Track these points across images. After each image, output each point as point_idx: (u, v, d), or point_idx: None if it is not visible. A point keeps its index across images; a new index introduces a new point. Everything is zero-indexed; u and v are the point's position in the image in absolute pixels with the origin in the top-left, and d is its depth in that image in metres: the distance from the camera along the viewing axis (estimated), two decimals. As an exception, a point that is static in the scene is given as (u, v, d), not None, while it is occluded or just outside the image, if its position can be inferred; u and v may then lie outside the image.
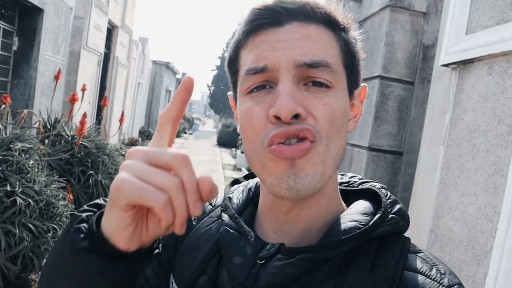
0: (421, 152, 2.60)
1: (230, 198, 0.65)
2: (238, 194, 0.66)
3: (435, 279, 0.50)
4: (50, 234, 2.93)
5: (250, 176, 0.71)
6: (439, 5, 3.24)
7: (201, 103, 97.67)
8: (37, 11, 4.46)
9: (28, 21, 4.46)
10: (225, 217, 0.62)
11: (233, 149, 16.25)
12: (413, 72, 3.50)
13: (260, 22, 0.53)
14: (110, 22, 7.59)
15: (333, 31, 0.55)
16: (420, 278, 0.50)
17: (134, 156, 0.43)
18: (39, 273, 3.31)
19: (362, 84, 0.61)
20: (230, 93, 0.64)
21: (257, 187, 0.65)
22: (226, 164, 13.29)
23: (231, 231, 0.59)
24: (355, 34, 0.59)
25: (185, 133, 24.75)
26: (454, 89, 2.06)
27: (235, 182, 0.71)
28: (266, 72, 0.52)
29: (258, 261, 0.55)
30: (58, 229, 3.02)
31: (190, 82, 0.45)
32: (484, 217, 1.74)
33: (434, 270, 0.51)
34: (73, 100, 3.38)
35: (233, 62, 0.58)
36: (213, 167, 12.11)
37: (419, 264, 0.52)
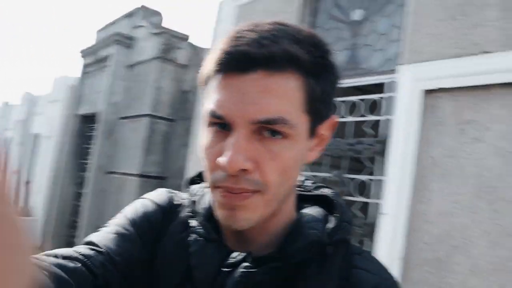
0: (188, 173, 3.34)
1: (195, 202, 0.63)
2: (206, 197, 0.62)
3: (376, 274, 0.57)
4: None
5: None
6: (196, 59, 4.18)
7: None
8: None
9: None
10: (193, 223, 0.61)
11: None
12: (175, 112, 4.29)
13: (226, 67, 0.52)
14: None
15: (302, 76, 0.52)
16: (365, 274, 0.56)
17: None
18: None
19: (332, 116, 0.59)
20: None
21: None
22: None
23: (198, 238, 0.59)
24: (330, 78, 0.56)
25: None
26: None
27: (193, 182, 0.68)
28: (223, 119, 0.52)
29: (223, 269, 0.55)
30: None
31: None
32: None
33: (375, 267, 0.58)
34: None
35: (208, 79, 0.56)
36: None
37: (363, 263, 0.58)
